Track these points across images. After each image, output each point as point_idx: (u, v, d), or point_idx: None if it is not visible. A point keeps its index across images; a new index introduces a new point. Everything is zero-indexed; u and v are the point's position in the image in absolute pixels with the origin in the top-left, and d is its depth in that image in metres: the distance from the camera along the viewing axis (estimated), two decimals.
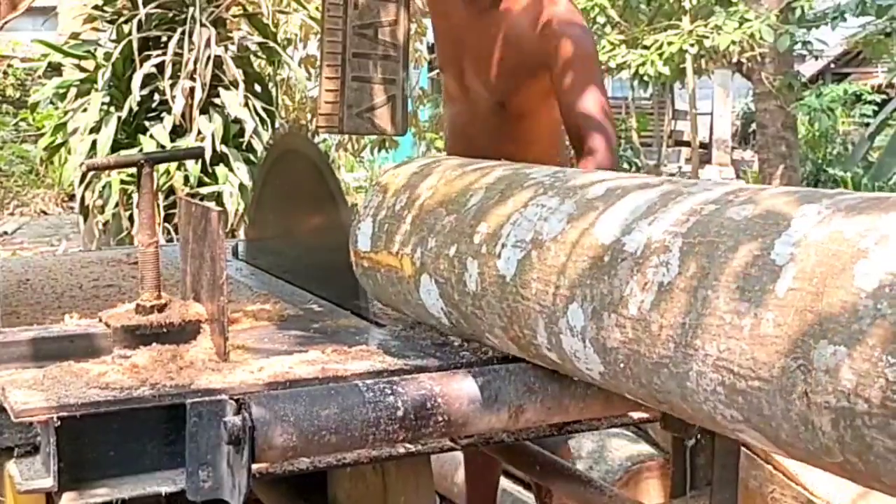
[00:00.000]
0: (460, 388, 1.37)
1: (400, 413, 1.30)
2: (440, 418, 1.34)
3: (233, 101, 4.99)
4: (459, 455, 2.94)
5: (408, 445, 1.42)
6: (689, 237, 1.08)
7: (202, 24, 5.03)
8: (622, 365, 1.15)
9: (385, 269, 1.59)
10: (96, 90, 5.35)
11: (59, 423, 1.24)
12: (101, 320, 1.53)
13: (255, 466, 1.25)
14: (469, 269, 1.38)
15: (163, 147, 4.89)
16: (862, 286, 0.88)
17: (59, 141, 5.65)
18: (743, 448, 1.69)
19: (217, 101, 5.08)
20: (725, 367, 0.99)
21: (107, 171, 4.85)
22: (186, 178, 4.94)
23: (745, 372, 0.97)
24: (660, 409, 1.21)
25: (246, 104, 5.02)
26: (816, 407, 0.90)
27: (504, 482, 2.91)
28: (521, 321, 1.30)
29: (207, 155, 4.60)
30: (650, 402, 1.18)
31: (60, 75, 6.22)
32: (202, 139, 4.88)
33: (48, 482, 1.26)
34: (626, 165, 10.70)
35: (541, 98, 2.25)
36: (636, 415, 1.59)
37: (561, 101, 2.09)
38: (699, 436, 1.53)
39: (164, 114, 5.24)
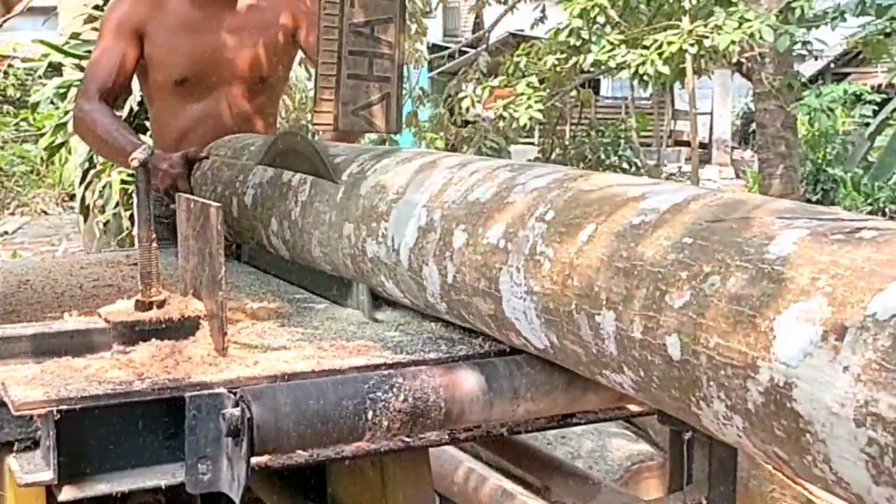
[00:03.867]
0: (458, 382, 1.37)
1: (398, 406, 1.31)
2: (438, 412, 1.34)
3: None
4: (459, 454, 2.94)
5: (406, 439, 1.42)
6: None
7: None
8: (294, 250, 2.00)
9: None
10: None
11: (58, 416, 1.25)
12: (100, 317, 1.53)
13: (253, 460, 1.25)
14: (234, 202, 2.24)
15: None
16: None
17: (59, 141, 5.66)
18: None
19: None
20: (325, 245, 1.83)
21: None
22: None
23: (332, 245, 1.80)
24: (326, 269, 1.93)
25: None
26: (374, 263, 1.69)
27: (504, 482, 2.91)
28: (257, 230, 2.16)
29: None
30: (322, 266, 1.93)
31: (61, 75, 6.23)
32: None
33: (48, 475, 1.27)
34: (625, 165, 10.65)
35: (287, 69, 2.75)
36: (634, 408, 1.59)
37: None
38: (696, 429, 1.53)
39: None
